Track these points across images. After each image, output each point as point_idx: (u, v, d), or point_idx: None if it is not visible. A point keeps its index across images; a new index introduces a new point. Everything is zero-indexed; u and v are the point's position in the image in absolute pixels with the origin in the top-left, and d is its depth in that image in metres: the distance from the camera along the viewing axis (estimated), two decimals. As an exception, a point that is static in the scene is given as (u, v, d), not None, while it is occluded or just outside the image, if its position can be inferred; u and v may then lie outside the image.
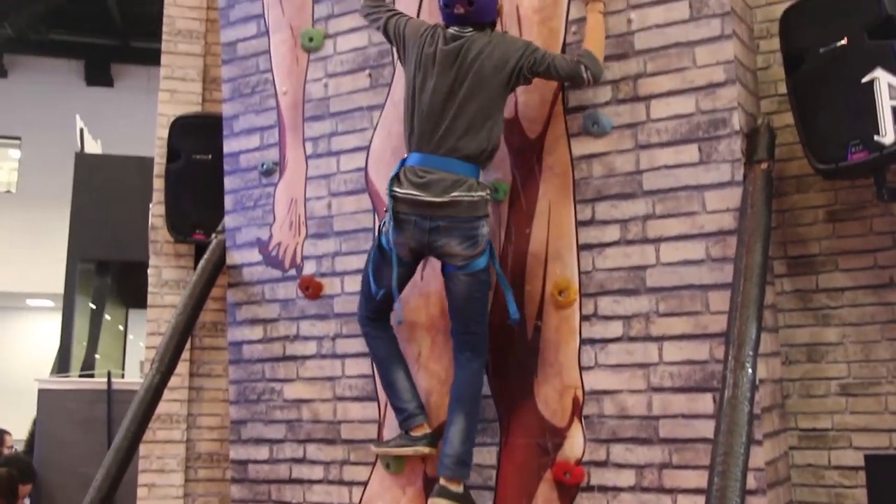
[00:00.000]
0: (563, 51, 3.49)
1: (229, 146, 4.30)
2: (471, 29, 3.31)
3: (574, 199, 3.45)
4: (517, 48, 3.27)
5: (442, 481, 3.28)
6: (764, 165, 3.19)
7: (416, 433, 3.46)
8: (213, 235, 4.34)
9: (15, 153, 17.68)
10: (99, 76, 17.30)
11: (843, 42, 3.19)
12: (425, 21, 3.55)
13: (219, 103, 4.55)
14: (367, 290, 3.49)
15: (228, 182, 4.30)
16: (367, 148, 3.90)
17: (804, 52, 3.32)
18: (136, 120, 15.75)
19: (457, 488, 3.27)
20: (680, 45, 3.33)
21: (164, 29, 4.80)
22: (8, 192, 17.60)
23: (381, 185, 3.76)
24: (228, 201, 4.29)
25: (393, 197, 3.23)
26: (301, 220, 4.05)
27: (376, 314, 3.53)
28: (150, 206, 4.72)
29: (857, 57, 3.14)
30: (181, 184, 4.57)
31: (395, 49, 3.59)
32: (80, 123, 8.39)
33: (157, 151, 4.72)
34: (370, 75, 3.93)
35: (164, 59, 4.80)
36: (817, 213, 3.62)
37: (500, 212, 3.56)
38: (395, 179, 3.26)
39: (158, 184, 4.69)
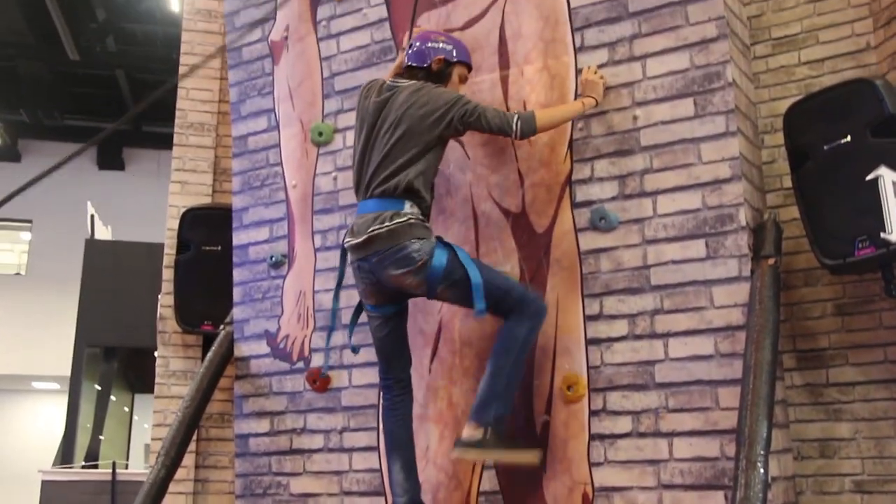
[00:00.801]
0: (569, 148, 3.53)
1: (238, 238, 4.33)
2: (405, 79, 3.42)
3: (582, 293, 3.46)
4: (448, 100, 3.32)
5: (463, 432, 3.21)
6: (771, 261, 3.20)
7: None
8: (222, 327, 4.35)
9: (26, 235, 17.81)
10: (111, 160, 17.52)
11: (847, 140, 3.23)
12: (376, 79, 3.61)
13: (229, 194, 4.60)
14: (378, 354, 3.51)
15: (237, 274, 4.32)
16: (376, 241, 3.92)
17: (809, 148, 3.36)
18: (146, 203, 15.93)
19: (473, 434, 3.16)
20: (685, 141, 3.37)
21: (177, 122, 4.88)
22: (18, 274, 17.67)
23: (390, 277, 3.77)
24: (237, 293, 4.30)
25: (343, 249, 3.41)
26: (309, 313, 4.06)
27: (387, 375, 3.49)
28: (159, 296, 4.74)
29: (860, 154, 3.18)
30: (190, 275, 4.60)
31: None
32: (90, 210, 8.48)
33: (168, 242, 4.75)
34: (379, 168, 3.97)
35: (175, 151, 4.88)
36: (826, 307, 3.62)
37: (508, 306, 3.55)
38: (349, 230, 3.37)
39: (168, 274, 4.72)
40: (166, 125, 14.60)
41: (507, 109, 3.62)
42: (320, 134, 4.13)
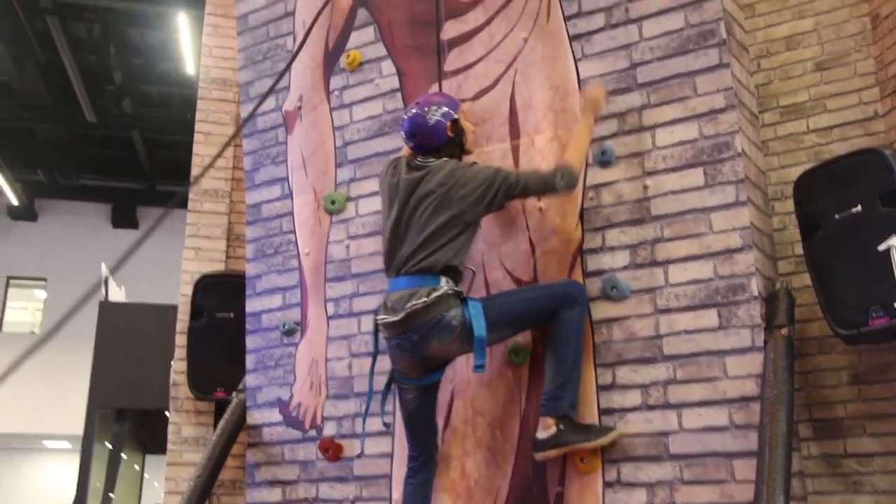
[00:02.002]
0: (580, 217, 3.55)
1: (251, 305, 4.35)
2: (432, 158, 3.42)
3: (595, 362, 3.45)
4: (487, 177, 3.33)
5: (538, 432, 3.26)
6: (784, 331, 3.18)
7: None
8: (234, 394, 4.34)
9: (41, 294, 17.90)
10: (125, 219, 17.66)
11: (858, 209, 3.24)
12: (400, 157, 3.62)
13: (242, 260, 4.63)
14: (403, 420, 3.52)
15: (250, 341, 4.33)
16: (388, 309, 3.93)
17: (819, 217, 3.38)
18: (159, 261, 15.94)
19: (546, 432, 3.23)
20: (696, 210, 3.38)
21: (191, 188, 4.93)
22: (32, 332, 17.72)
23: (402, 345, 3.78)
24: (250, 360, 4.31)
25: (376, 325, 3.38)
26: (322, 381, 4.06)
27: (416, 445, 3.50)
28: (173, 362, 4.75)
29: (871, 224, 3.18)
30: (204, 341, 4.61)
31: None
32: (105, 272, 8.52)
33: (181, 308, 4.78)
34: (391, 238, 3.99)
35: (189, 217, 4.92)
36: (841, 376, 3.60)
37: (521, 375, 3.55)
38: (382, 307, 3.35)
39: (181, 340, 4.73)
40: (180, 184, 14.78)
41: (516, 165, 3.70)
42: (333, 202, 4.16)
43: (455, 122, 3.46)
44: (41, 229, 17.51)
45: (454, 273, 3.32)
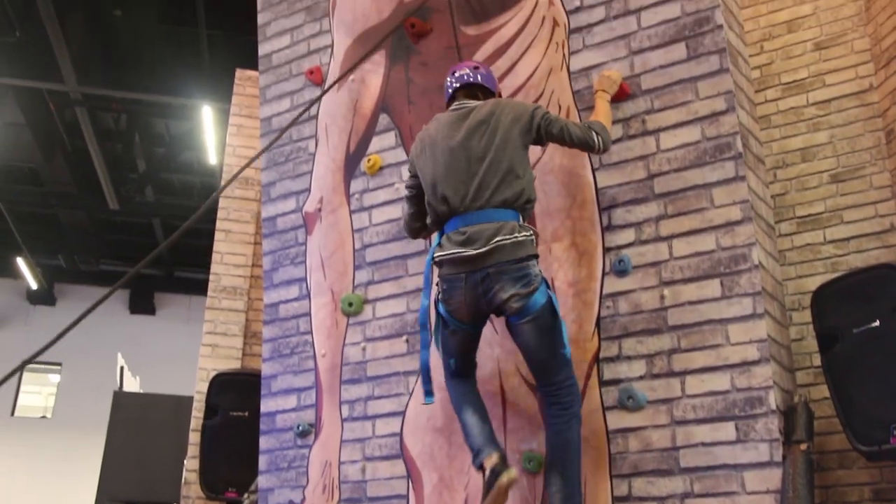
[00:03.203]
0: (597, 326, 3.56)
1: (266, 406, 4.34)
2: (472, 101, 3.47)
3: (610, 473, 3.40)
4: (530, 106, 3.40)
5: None
6: (803, 446, 3.14)
7: (487, 465, 3.20)
8: (246, 495, 4.31)
9: (55, 378, 17.90)
10: (142, 305, 17.76)
11: (876, 324, 3.23)
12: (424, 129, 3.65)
13: (258, 357, 4.64)
14: (444, 362, 3.46)
15: (264, 442, 4.31)
16: (403, 413, 3.92)
17: (837, 331, 3.37)
18: (175, 348, 16.07)
19: None
20: (713, 322, 3.37)
21: (210, 286, 4.98)
22: (43, 417, 17.67)
23: (417, 450, 3.76)
24: (263, 461, 4.28)
25: (436, 262, 3.29)
26: (334, 484, 4.02)
27: (457, 369, 3.45)
28: (185, 460, 4.72)
29: (890, 339, 3.17)
30: (217, 440, 4.60)
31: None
32: (120, 361, 8.54)
33: (196, 406, 4.78)
34: (407, 341, 4.01)
35: (207, 314, 4.96)
36: (863, 492, 3.54)
37: (536, 485, 3.51)
38: (438, 246, 3.30)
39: (194, 438, 4.72)
40: (198, 271, 14.91)
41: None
42: (350, 304, 4.18)
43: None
44: (59, 314, 17.60)
45: (528, 211, 3.33)
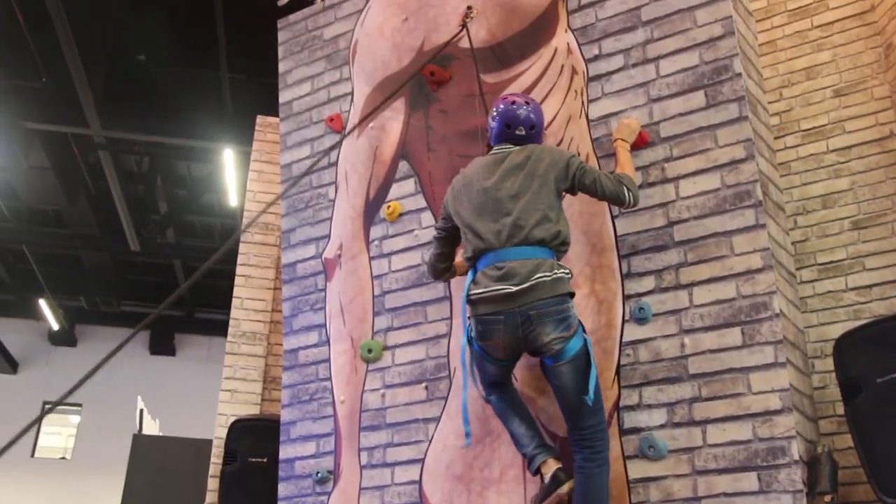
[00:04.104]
0: (617, 374, 3.54)
1: (285, 452, 4.33)
2: (510, 146, 3.50)
3: (632, 524, 3.37)
4: (566, 154, 3.44)
5: None
6: (828, 498, 3.11)
7: (545, 470, 3.26)
8: (264, 542, 4.28)
9: (75, 419, 17.94)
10: (162, 346, 17.83)
11: (900, 374, 3.20)
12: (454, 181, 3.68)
13: (278, 403, 4.64)
14: (483, 391, 3.50)
15: (282, 488, 4.29)
16: (422, 461, 3.90)
17: (860, 381, 3.33)
18: (195, 388, 16.08)
19: None
20: (734, 370, 3.35)
21: (230, 331, 5.00)
22: (63, 458, 17.68)
23: (436, 498, 3.74)
24: (281, 508, 4.26)
25: (471, 301, 3.28)
26: (353, 533, 3.99)
27: (491, 389, 3.49)
28: (204, 507, 4.72)
29: (915, 389, 3.14)
30: (235, 487, 4.59)
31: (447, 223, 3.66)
32: (140, 404, 8.56)
33: (214, 451, 4.77)
34: (427, 388, 4.00)
35: (227, 359, 4.97)
36: (888, 544, 3.47)
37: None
38: (472, 283, 3.30)
39: (213, 484, 4.71)
40: (218, 312, 14.96)
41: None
42: (370, 351, 4.18)
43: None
44: (80, 355, 17.68)
45: (563, 253, 3.36)
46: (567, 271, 3.29)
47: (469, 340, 3.41)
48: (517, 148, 3.50)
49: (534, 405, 3.65)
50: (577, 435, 3.26)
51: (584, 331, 3.28)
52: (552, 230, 3.31)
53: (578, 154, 3.79)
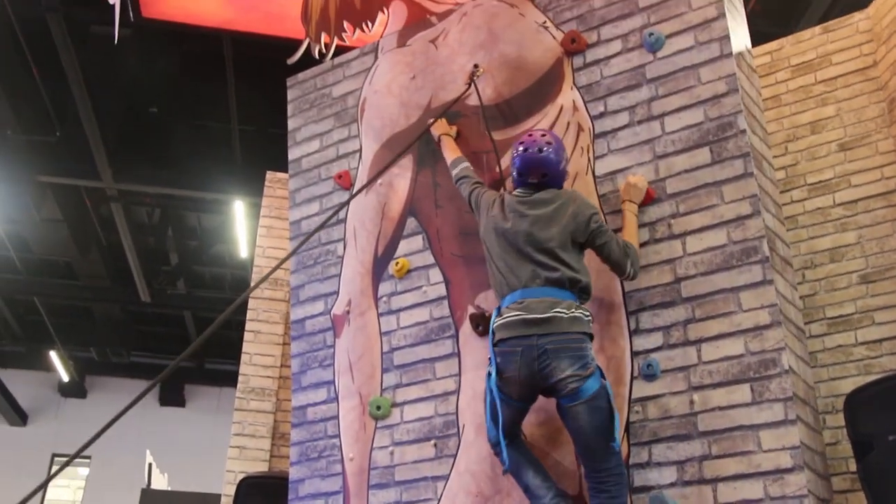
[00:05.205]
0: (626, 431, 3.52)
1: (294, 510, 4.31)
2: (538, 192, 3.57)
3: (643, 585, 3.33)
4: (591, 207, 3.51)
5: None
6: (841, 559, 3.07)
7: None
8: None
9: (83, 471, 17.84)
10: (172, 397, 17.77)
11: (913, 430, 3.17)
12: (494, 192, 3.81)
13: (286, 459, 4.62)
14: (490, 437, 3.47)
15: (292, 547, 4.26)
16: (431, 519, 3.87)
17: (872, 438, 3.31)
18: (204, 439, 16.01)
19: None
20: (744, 428, 3.33)
21: (239, 387, 5.00)
22: (70, 511, 17.59)
23: (445, 558, 3.70)
24: (290, 569, 4.23)
25: (494, 331, 3.34)
26: (362, 593, 3.95)
27: (500, 440, 3.43)
28: (212, 566, 4.68)
29: (927, 447, 3.11)
30: (243, 547, 4.55)
31: (474, 214, 3.84)
32: (149, 458, 8.54)
33: (223, 512, 4.75)
34: (435, 445, 3.98)
35: (235, 416, 4.97)
36: None
37: None
38: (497, 317, 3.35)
39: (223, 547, 4.68)
40: (228, 362, 14.95)
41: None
42: (378, 408, 4.17)
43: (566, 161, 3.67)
44: (90, 406, 17.63)
45: (584, 300, 3.39)
46: (587, 312, 3.35)
47: (486, 377, 3.45)
48: (542, 193, 3.56)
49: (545, 462, 3.63)
50: (594, 479, 3.27)
51: (602, 376, 3.29)
52: (571, 276, 3.37)
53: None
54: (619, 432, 3.29)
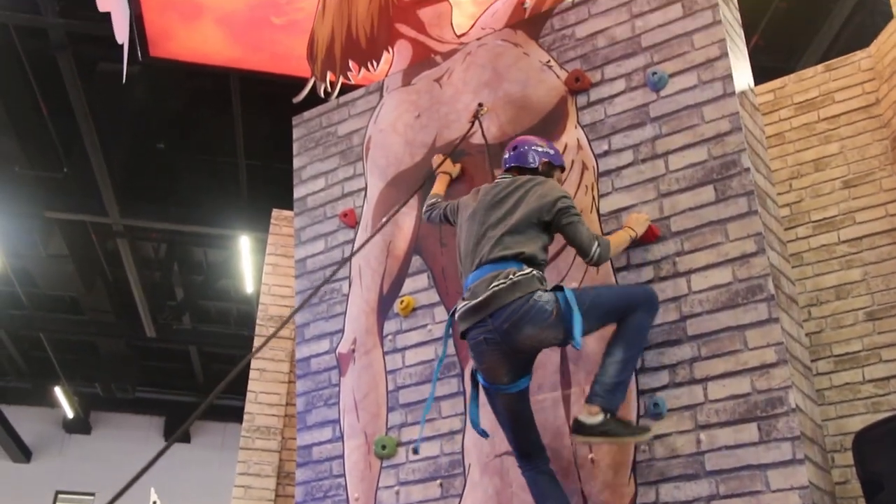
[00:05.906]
0: (633, 471, 3.50)
1: (300, 551, 4.28)
2: (510, 176, 3.63)
3: None
4: (559, 192, 3.48)
5: (581, 414, 3.25)
6: None
7: None
8: None
9: (87, 508, 17.73)
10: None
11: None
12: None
13: (292, 498, 4.61)
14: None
15: (296, 589, 4.23)
16: (437, 560, 3.85)
17: (881, 478, 3.28)
18: (209, 476, 15.91)
19: (594, 418, 3.21)
20: (752, 467, 3.31)
21: (244, 425, 4.99)
22: (72, 549, 17.43)
23: None
24: None
25: (452, 324, 3.42)
26: None
27: (521, 452, 3.48)
28: None
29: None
30: (248, 586, 4.51)
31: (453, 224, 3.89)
32: (153, 496, 8.49)
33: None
34: (441, 485, 3.96)
35: (240, 455, 4.95)
36: None
37: None
38: (459, 303, 3.42)
39: (226, 583, 4.64)
40: (233, 398, 14.89)
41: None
42: (384, 447, 4.16)
43: (550, 165, 3.71)
44: (94, 442, 17.57)
45: (535, 263, 3.35)
46: (529, 271, 3.31)
47: (472, 374, 3.50)
48: (518, 177, 3.61)
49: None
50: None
51: (559, 289, 3.31)
52: (514, 250, 3.36)
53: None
54: (625, 479, 3.42)
